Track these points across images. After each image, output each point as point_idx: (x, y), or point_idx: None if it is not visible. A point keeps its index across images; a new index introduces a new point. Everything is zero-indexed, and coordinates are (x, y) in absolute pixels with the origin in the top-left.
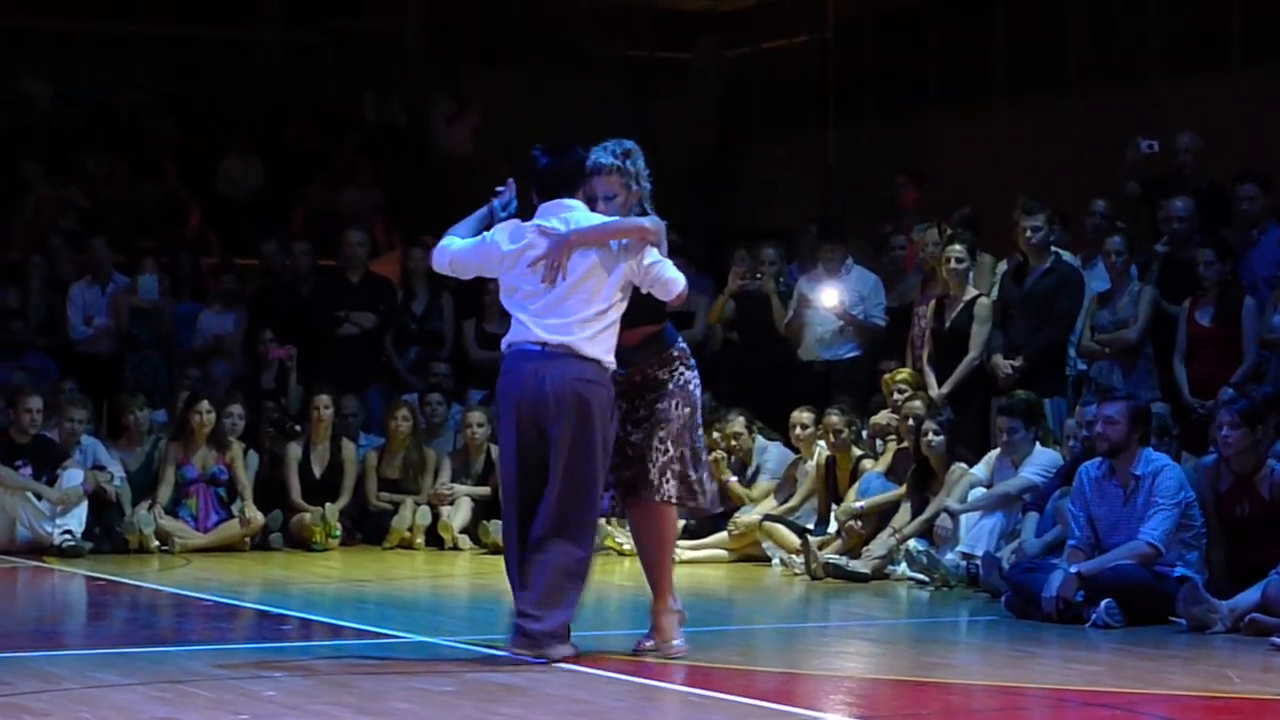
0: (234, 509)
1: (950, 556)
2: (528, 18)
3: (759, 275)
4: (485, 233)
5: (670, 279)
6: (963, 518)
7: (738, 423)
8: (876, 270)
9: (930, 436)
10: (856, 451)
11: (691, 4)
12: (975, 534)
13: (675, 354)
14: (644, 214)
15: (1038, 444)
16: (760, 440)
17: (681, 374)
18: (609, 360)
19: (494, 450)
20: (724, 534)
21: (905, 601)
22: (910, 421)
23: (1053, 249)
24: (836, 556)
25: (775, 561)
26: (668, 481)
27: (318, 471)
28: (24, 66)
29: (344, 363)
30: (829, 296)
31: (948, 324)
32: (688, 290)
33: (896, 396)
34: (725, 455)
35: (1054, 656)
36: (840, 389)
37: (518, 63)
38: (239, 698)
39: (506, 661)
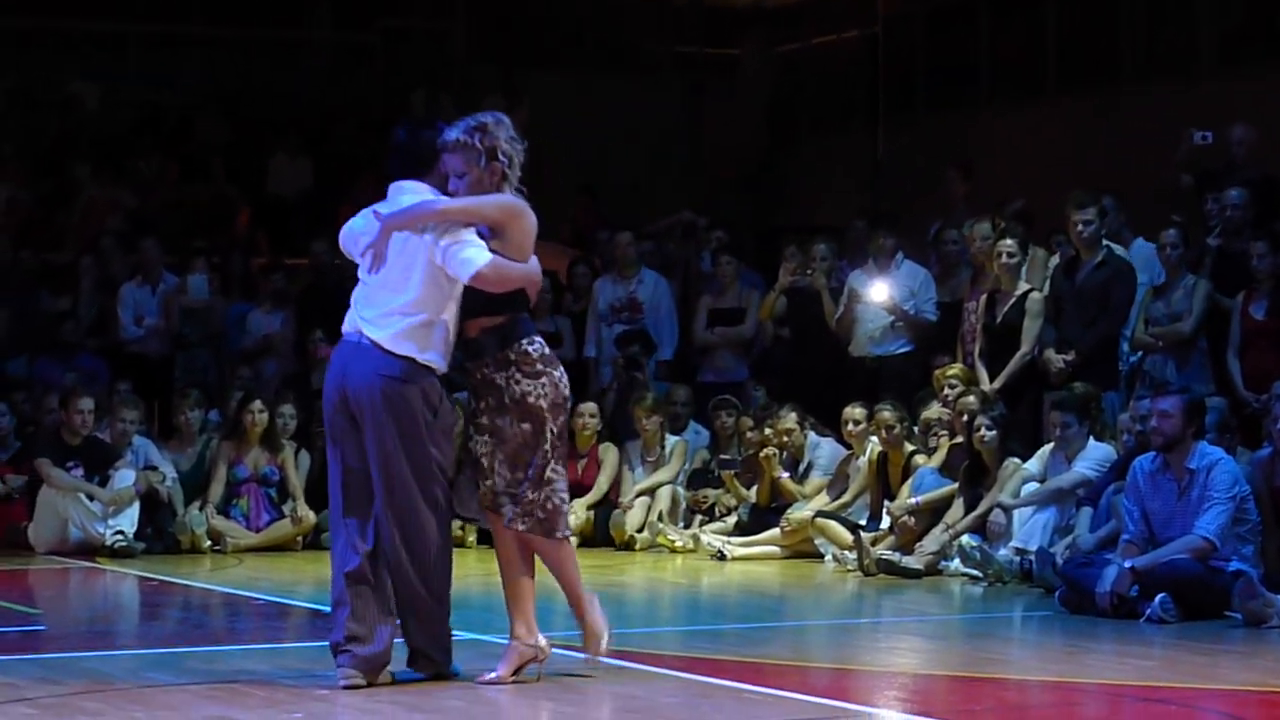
0: (285, 509)
1: (1004, 552)
2: (577, 16)
3: (809, 271)
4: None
5: (462, 260)
6: (1016, 513)
7: (790, 419)
8: (927, 265)
9: (983, 431)
10: (909, 447)
11: (741, 0)
12: (1029, 529)
13: (513, 356)
14: (502, 190)
15: (1091, 438)
16: (812, 436)
17: (518, 382)
18: (428, 358)
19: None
20: (776, 531)
21: (959, 597)
22: (963, 417)
23: (1105, 242)
24: (889, 552)
25: (828, 558)
26: (508, 509)
27: None
28: (73, 68)
29: None
30: (879, 291)
31: (999, 319)
32: (506, 275)
33: (948, 392)
34: (777, 452)
35: (1109, 652)
36: (891, 385)
37: (567, 61)
38: (292, 697)
39: (559, 659)
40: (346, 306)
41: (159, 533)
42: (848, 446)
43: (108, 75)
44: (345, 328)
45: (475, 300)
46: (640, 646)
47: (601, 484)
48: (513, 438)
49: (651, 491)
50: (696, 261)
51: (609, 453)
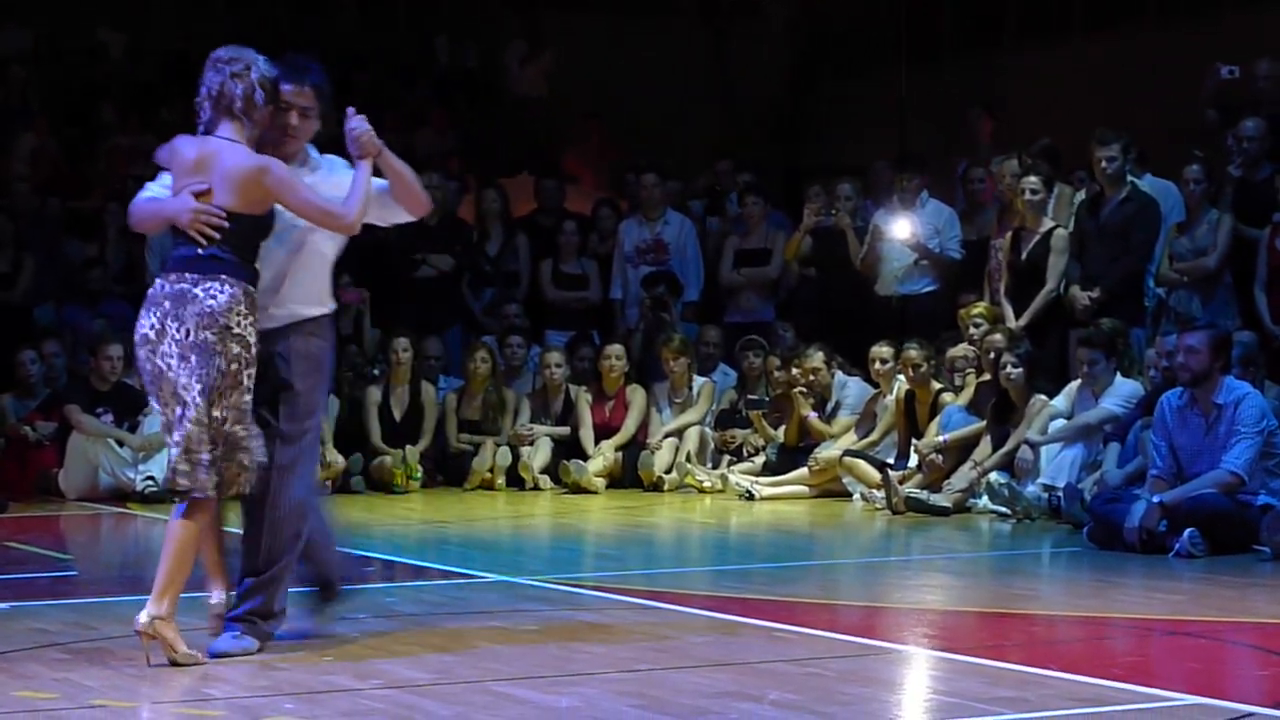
0: None
1: (1031, 489)
2: None
3: (834, 211)
4: None
5: None
6: (1043, 450)
7: (816, 358)
8: (954, 204)
9: (1009, 369)
10: (936, 385)
11: None
12: (1056, 466)
13: None
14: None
15: (1118, 374)
16: (840, 376)
17: None
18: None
19: (573, 390)
20: (804, 470)
21: (987, 534)
22: (990, 355)
23: (1129, 178)
24: (917, 491)
25: (856, 496)
26: None
27: (398, 414)
28: (99, 16)
29: (421, 305)
30: (902, 228)
31: (1024, 256)
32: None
33: (973, 330)
34: (805, 391)
35: (1137, 587)
36: (918, 323)
37: (592, 5)
38: (323, 640)
39: (589, 600)
40: (373, 250)
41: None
42: (875, 385)
43: (133, 23)
44: None
45: None
46: (669, 586)
47: (629, 426)
48: None
49: (679, 432)
50: (724, 202)
51: (636, 394)
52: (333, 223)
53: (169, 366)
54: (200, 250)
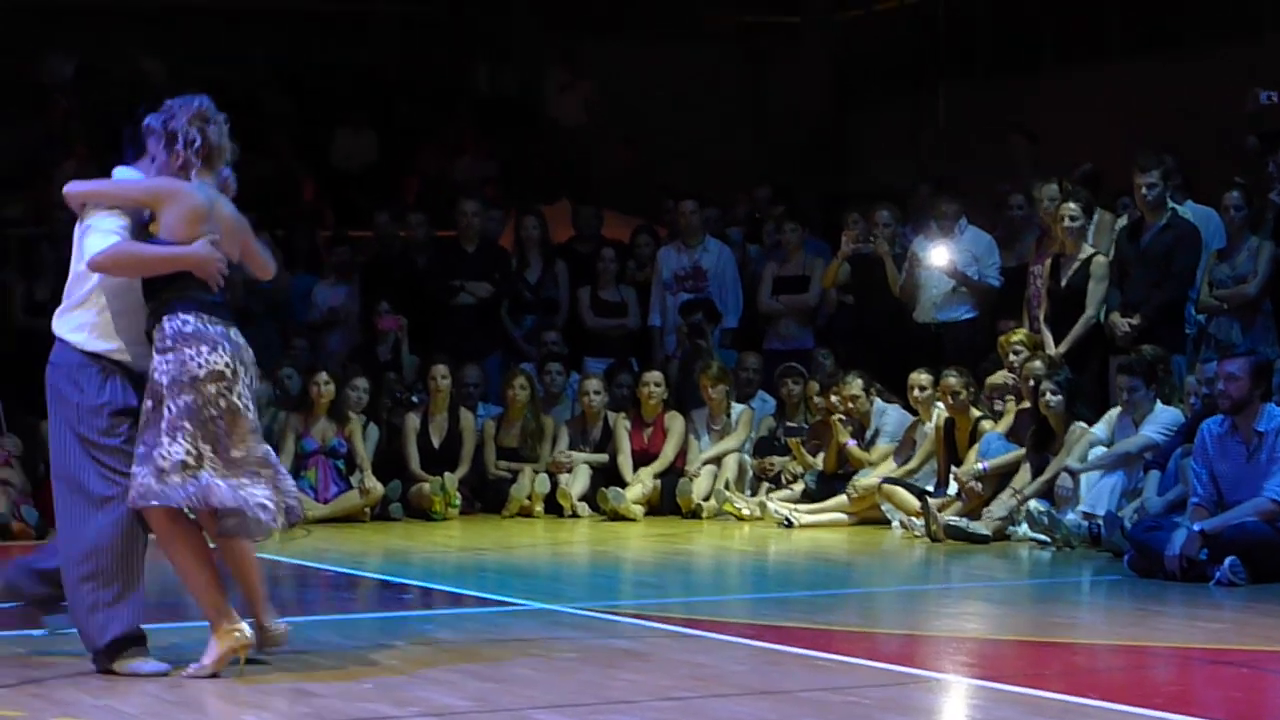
0: (353, 480)
1: (1071, 516)
2: None
3: (872, 238)
4: None
5: (82, 248)
6: (1084, 477)
7: (855, 385)
8: (992, 230)
9: (1049, 396)
10: (975, 413)
11: None
12: (1096, 493)
13: (153, 336)
14: (187, 176)
15: (1159, 402)
16: (879, 403)
17: (150, 359)
18: (76, 341)
19: (612, 417)
20: (843, 497)
21: (1027, 562)
22: (1029, 382)
23: (1170, 204)
24: (957, 518)
25: (895, 524)
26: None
27: (436, 441)
28: (139, 44)
29: (460, 332)
30: (939, 255)
31: (1064, 282)
32: (124, 261)
33: (1013, 357)
34: (844, 418)
35: (1178, 615)
36: (957, 350)
37: (630, 31)
38: (362, 666)
39: (627, 627)
40: (412, 278)
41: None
42: (914, 412)
43: (174, 52)
44: None
45: (144, 286)
46: (708, 614)
47: (668, 452)
48: (143, 419)
49: (718, 460)
50: (762, 230)
51: (675, 421)
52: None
53: (247, 407)
54: (215, 297)
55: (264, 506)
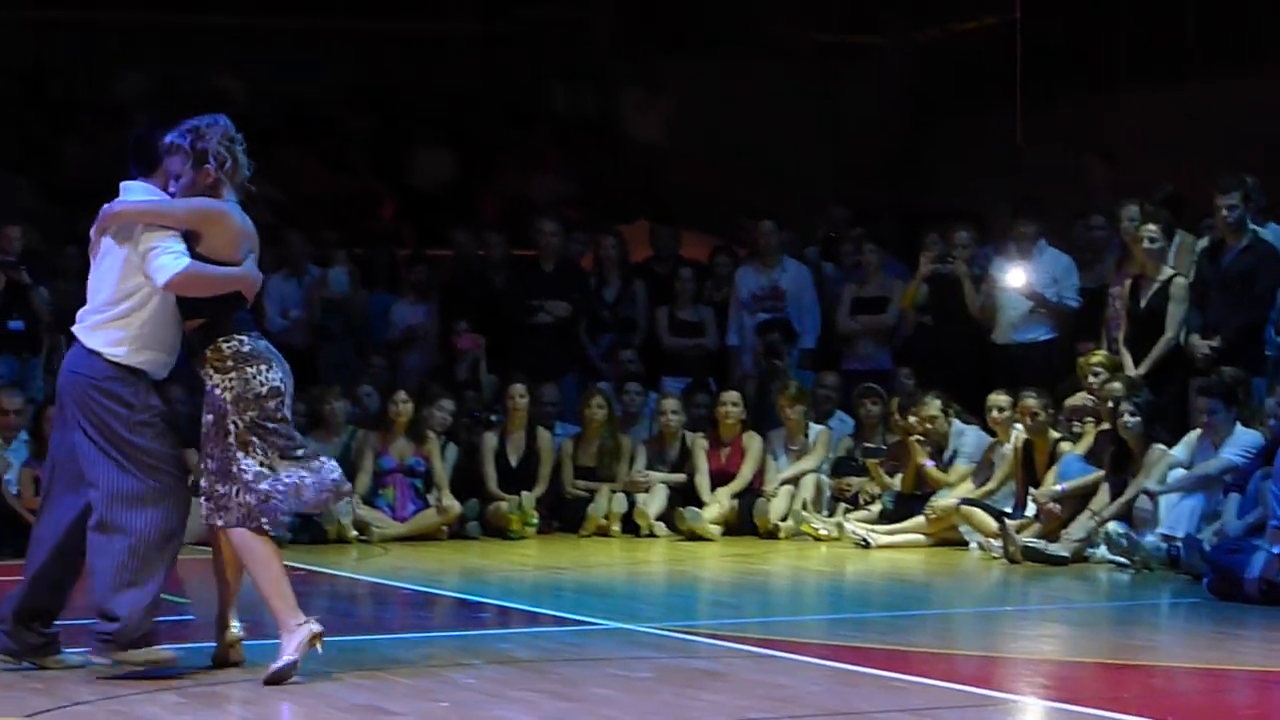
0: (430, 498)
1: (1150, 539)
2: (717, 5)
3: (951, 258)
4: None
5: (156, 267)
6: (1162, 499)
7: (934, 406)
8: (1071, 251)
9: (1127, 418)
10: (1053, 434)
11: None
12: (1175, 516)
13: (209, 353)
14: (217, 194)
15: (1238, 424)
16: (957, 424)
17: (210, 378)
18: (115, 353)
19: (689, 437)
20: (921, 518)
21: (1105, 584)
22: (1109, 403)
23: (1250, 227)
24: (1035, 540)
25: (973, 545)
26: (204, 500)
27: (514, 460)
28: (218, 63)
29: (538, 351)
30: (1016, 277)
31: (1144, 304)
32: (198, 281)
33: (1092, 379)
34: (922, 439)
35: (1257, 639)
36: (1035, 371)
37: (708, 50)
38: (439, 685)
39: (704, 647)
40: (490, 297)
41: (305, 523)
42: (992, 434)
43: (252, 69)
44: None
45: (184, 302)
46: (785, 635)
47: (745, 473)
48: (205, 429)
49: (795, 480)
50: (840, 250)
51: (753, 441)
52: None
53: (291, 414)
54: (250, 313)
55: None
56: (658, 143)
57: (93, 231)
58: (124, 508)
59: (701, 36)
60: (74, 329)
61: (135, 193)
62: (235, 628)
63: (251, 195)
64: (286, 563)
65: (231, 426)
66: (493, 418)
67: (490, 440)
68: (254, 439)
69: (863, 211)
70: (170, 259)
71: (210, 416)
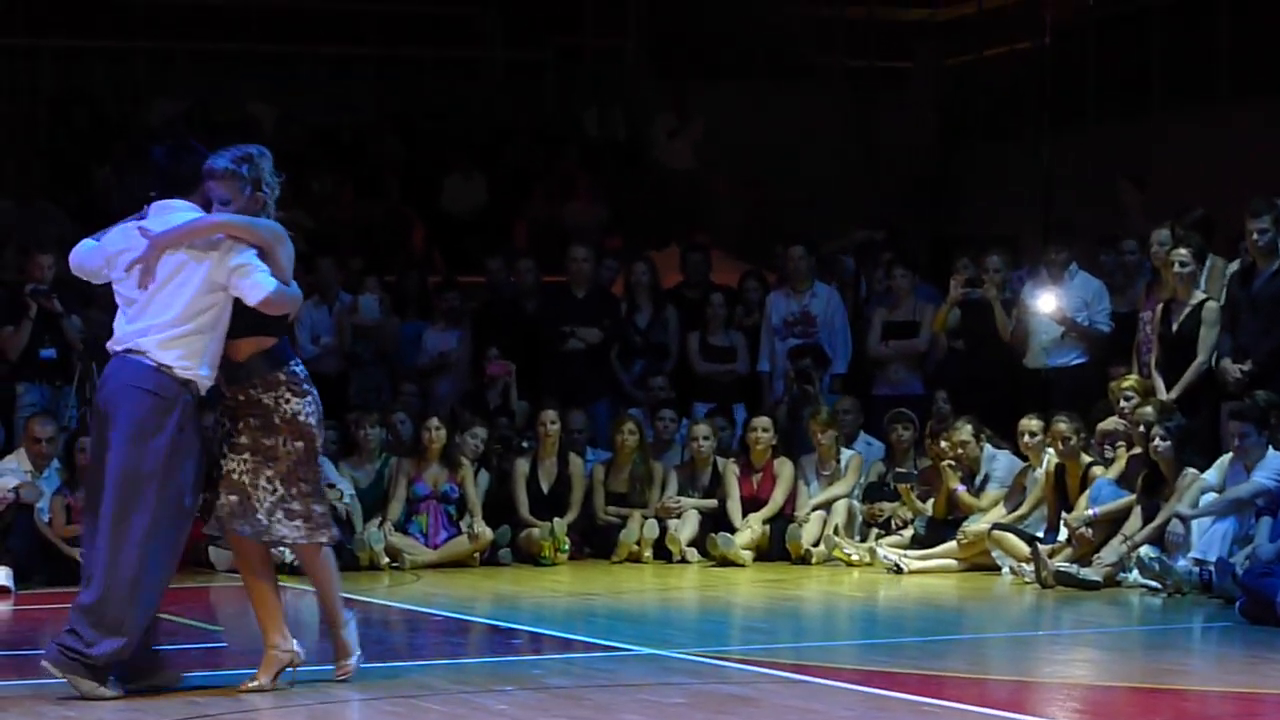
0: (463, 525)
1: (1183, 563)
2: (748, 31)
3: (982, 283)
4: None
5: (252, 284)
6: (1195, 523)
7: (965, 431)
8: (1103, 275)
9: (1158, 442)
10: (1085, 459)
11: (911, 13)
12: (1208, 540)
13: (283, 377)
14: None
15: (1270, 447)
16: (989, 448)
17: (288, 402)
18: (184, 369)
19: (720, 463)
20: (953, 543)
21: (1137, 609)
22: (1140, 428)
23: None
24: (1067, 564)
25: (1005, 570)
26: (279, 523)
27: (545, 487)
28: (249, 89)
29: (570, 377)
30: (1047, 302)
31: (1175, 328)
32: (286, 300)
33: (1123, 403)
34: (954, 464)
35: None
36: (1067, 396)
37: (739, 76)
38: (471, 711)
39: (736, 673)
40: (522, 324)
41: (338, 550)
42: (1024, 458)
43: (284, 96)
44: (111, 345)
45: (246, 322)
46: (818, 660)
47: (777, 498)
48: (285, 456)
49: (827, 505)
50: (872, 275)
51: (784, 467)
52: None
53: None
54: None
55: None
56: (689, 168)
57: (145, 253)
58: (137, 536)
59: (733, 62)
60: (134, 345)
61: (182, 211)
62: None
63: (283, 221)
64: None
65: (318, 448)
66: (525, 444)
67: (522, 466)
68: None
69: (894, 235)
70: (264, 276)
71: (299, 444)
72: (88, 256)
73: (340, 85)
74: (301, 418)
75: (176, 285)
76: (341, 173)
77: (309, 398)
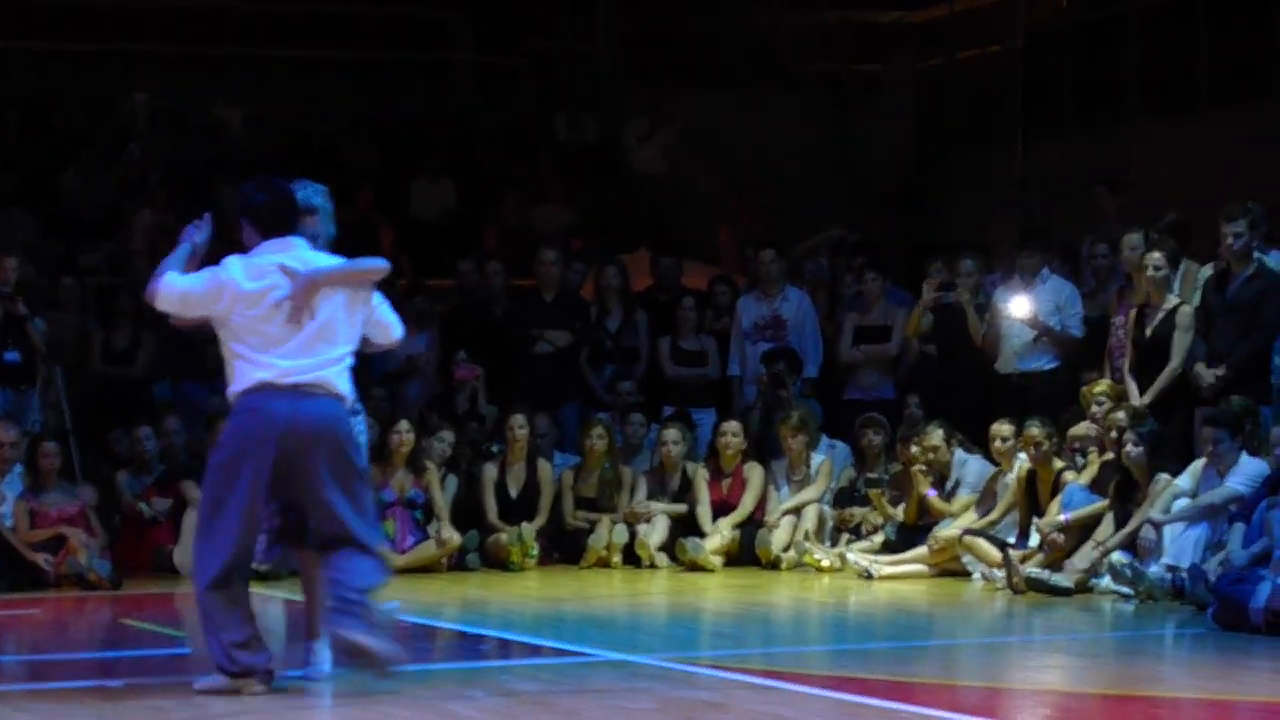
0: (430, 530)
1: (1155, 569)
2: (722, 35)
3: (955, 287)
4: (213, 269)
5: (391, 322)
6: (1167, 529)
7: (936, 436)
8: (1076, 280)
9: (1130, 447)
10: (1058, 464)
11: (886, 16)
12: (1180, 545)
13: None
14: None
15: (1244, 453)
16: (960, 453)
17: (358, 417)
18: (349, 400)
19: (690, 468)
20: (924, 549)
21: (1109, 615)
22: (1112, 433)
23: (1256, 255)
24: (1038, 570)
25: (976, 576)
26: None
27: (514, 491)
28: (220, 93)
29: (539, 381)
30: (1019, 306)
31: (1149, 333)
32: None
33: (1095, 408)
34: (925, 469)
35: (1263, 669)
36: (1039, 401)
37: (712, 80)
38: (439, 717)
39: (706, 679)
40: (491, 327)
41: None
42: (995, 463)
43: (253, 100)
44: (263, 378)
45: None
46: (788, 666)
47: (747, 503)
48: (363, 468)
49: (797, 510)
50: (844, 278)
51: (754, 472)
52: None
53: None
54: None
55: None
56: (660, 172)
57: (298, 292)
58: (367, 537)
59: (707, 67)
60: (310, 380)
61: (305, 249)
62: None
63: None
64: (287, 595)
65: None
66: (493, 449)
67: (490, 471)
68: None
69: (866, 239)
70: (395, 316)
71: (361, 462)
72: (196, 290)
73: (310, 89)
74: (361, 437)
75: (339, 324)
76: (312, 176)
77: (358, 416)
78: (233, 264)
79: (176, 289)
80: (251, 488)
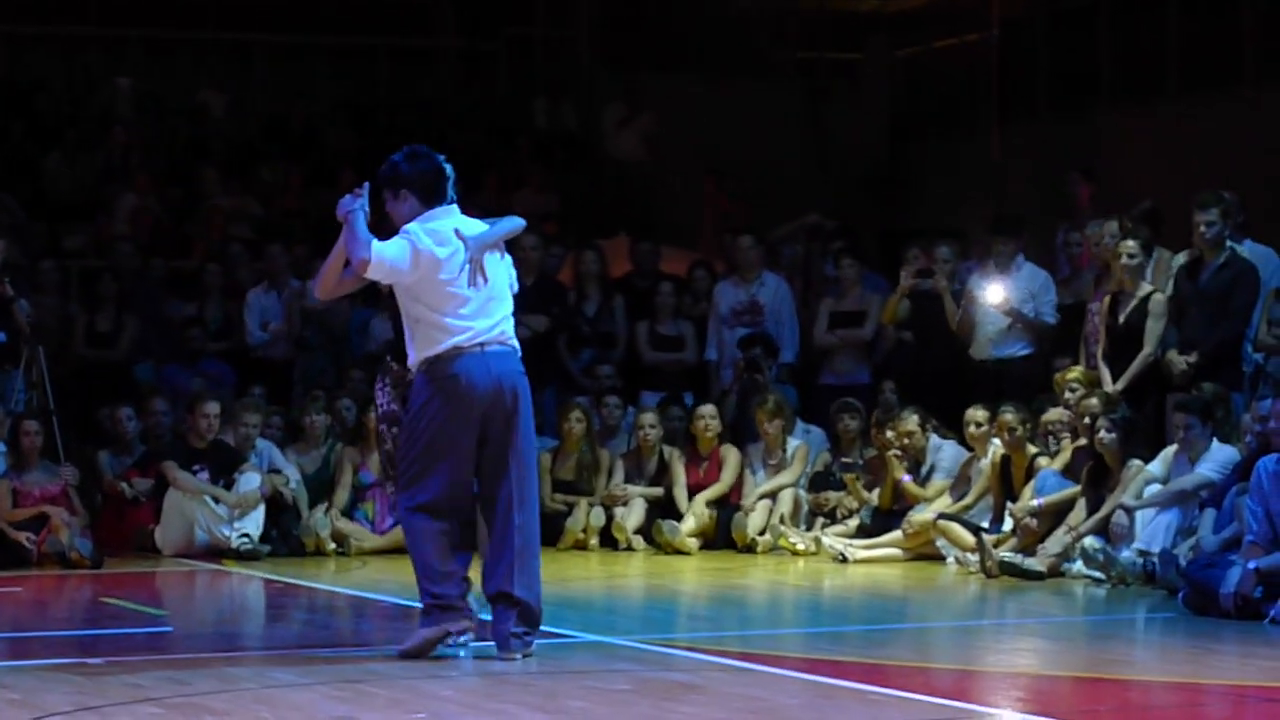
0: None
1: (1127, 554)
2: (699, 22)
3: (931, 274)
4: (405, 236)
5: (515, 277)
6: (1139, 514)
7: (911, 421)
8: (1050, 267)
9: (1103, 433)
10: (1031, 449)
11: (863, 5)
12: (1151, 531)
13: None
14: None
15: (1215, 440)
16: (934, 439)
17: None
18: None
19: (667, 451)
20: (898, 533)
21: (1081, 599)
22: (1085, 419)
23: (1228, 243)
24: (1012, 554)
25: (950, 560)
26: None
27: None
28: (201, 77)
29: None
30: (994, 293)
31: (1122, 320)
32: None
33: (1069, 395)
34: (899, 454)
35: (1233, 653)
36: (1013, 386)
37: (690, 67)
38: (416, 697)
39: (682, 660)
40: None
41: (284, 535)
42: (970, 448)
43: (234, 84)
44: (461, 341)
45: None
46: (763, 648)
47: (725, 479)
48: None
49: (773, 494)
50: (820, 264)
51: (730, 454)
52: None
53: None
54: None
55: None
56: (638, 158)
57: (474, 255)
58: (533, 496)
59: (685, 53)
60: (499, 338)
61: (458, 215)
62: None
63: (235, 210)
64: (265, 575)
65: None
66: None
67: None
68: None
69: (843, 225)
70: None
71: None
72: (399, 259)
73: (291, 74)
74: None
75: (500, 283)
76: (292, 161)
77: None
78: (419, 233)
79: (386, 257)
80: (464, 444)
